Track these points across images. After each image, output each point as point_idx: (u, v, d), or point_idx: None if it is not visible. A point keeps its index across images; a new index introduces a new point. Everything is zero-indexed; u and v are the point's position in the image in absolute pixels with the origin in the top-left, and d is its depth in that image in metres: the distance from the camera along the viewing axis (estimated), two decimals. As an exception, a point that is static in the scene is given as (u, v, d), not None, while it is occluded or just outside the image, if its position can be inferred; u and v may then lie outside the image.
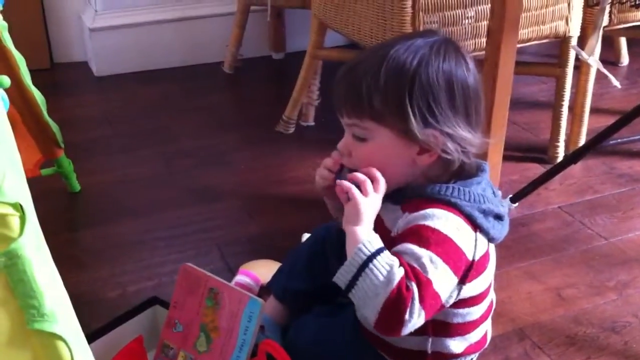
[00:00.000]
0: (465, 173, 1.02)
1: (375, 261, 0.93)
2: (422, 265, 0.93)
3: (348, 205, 0.97)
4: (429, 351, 1.06)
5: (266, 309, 1.16)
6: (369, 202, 0.96)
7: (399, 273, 0.92)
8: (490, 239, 1.02)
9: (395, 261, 0.93)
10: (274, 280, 1.28)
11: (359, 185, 0.97)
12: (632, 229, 1.60)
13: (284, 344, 1.16)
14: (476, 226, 0.99)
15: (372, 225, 0.97)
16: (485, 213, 1.00)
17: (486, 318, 1.10)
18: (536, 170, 1.83)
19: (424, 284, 0.92)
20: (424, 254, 0.94)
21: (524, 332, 1.31)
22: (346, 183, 0.97)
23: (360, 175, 0.98)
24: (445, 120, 0.96)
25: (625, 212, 1.67)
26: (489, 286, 1.07)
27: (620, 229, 1.60)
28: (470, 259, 0.98)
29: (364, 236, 0.95)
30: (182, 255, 1.49)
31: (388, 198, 1.02)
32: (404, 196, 1.01)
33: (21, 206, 0.72)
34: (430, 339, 1.05)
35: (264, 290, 1.34)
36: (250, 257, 1.44)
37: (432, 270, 0.93)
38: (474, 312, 1.05)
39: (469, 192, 0.99)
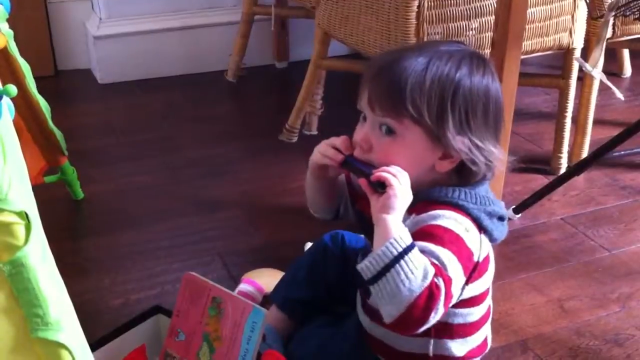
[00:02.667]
0: (472, 179, 1.03)
1: (410, 255, 0.91)
2: (442, 264, 0.93)
3: (384, 195, 0.95)
4: (431, 354, 1.06)
5: (268, 318, 1.16)
6: (405, 192, 0.95)
7: (432, 270, 0.91)
8: (493, 240, 1.03)
9: (426, 258, 0.93)
10: (276, 290, 1.28)
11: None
12: (634, 240, 1.60)
13: (286, 356, 1.16)
14: (481, 228, 1.00)
15: (402, 218, 0.96)
16: (491, 215, 1.01)
17: (486, 321, 1.10)
18: (539, 181, 1.83)
19: (447, 282, 0.93)
20: (442, 253, 0.94)
21: (526, 344, 1.30)
22: (383, 172, 0.95)
23: (392, 168, 0.96)
24: (477, 131, 0.99)
25: (628, 224, 1.67)
26: (489, 288, 1.07)
27: (623, 241, 1.60)
28: (475, 260, 0.99)
29: (398, 228, 0.93)
30: (185, 264, 1.49)
31: None
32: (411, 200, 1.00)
33: (26, 215, 0.72)
34: (432, 341, 1.05)
35: (267, 299, 1.33)
36: (253, 267, 1.44)
37: (451, 268, 0.94)
38: (474, 313, 1.05)
39: (475, 195, 1.01)
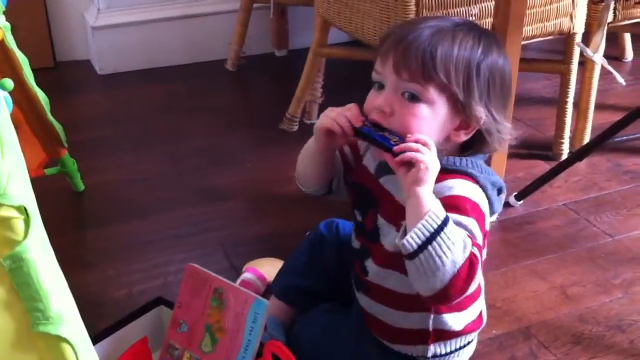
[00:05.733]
0: (481, 151, 1.05)
1: (449, 226, 0.90)
2: (472, 233, 0.94)
3: (414, 169, 0.92)
4: (430, 328, 1.07)
5: (269, 308, 1.16)
6: (433, 162, 0.93)
7: (469, 240, 0.92)
8: (492, 212, 1.03)
9: (461, 229, 0.93)
10: (275, 280, 1.29)
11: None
12: (637, 226, 1.60)
13: (290, 338, 1.17)
14: (487, 197, 1.01)
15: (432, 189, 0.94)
16: (494, 185, 1.02)
17: (479, 294, 1.10)
18: (541, 167, 1.82)
19: (480, 250, 0.93)
20: (469, 222, 0.94)
21: (529, 330, 1.30)
22: (412, 145, 0.93)
23: (417, 137, 0.94)
24: (495, 103, 1.01)
25: (630, 210, 1.66)
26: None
27: (626, 227, 1.60)
28: (486, 229, 1.00)
29: (431, 201, 0.92)
30: (188, 255, 1.49)
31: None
32: None
33: (25, 209, 0.72)
34: (432, 316, 1.06)
35: (269, 289, 1.33)
36: (256, 257, 1.44)
37: (478, 236, 0.95)
38: None
39: (480, 165, 1.02)
